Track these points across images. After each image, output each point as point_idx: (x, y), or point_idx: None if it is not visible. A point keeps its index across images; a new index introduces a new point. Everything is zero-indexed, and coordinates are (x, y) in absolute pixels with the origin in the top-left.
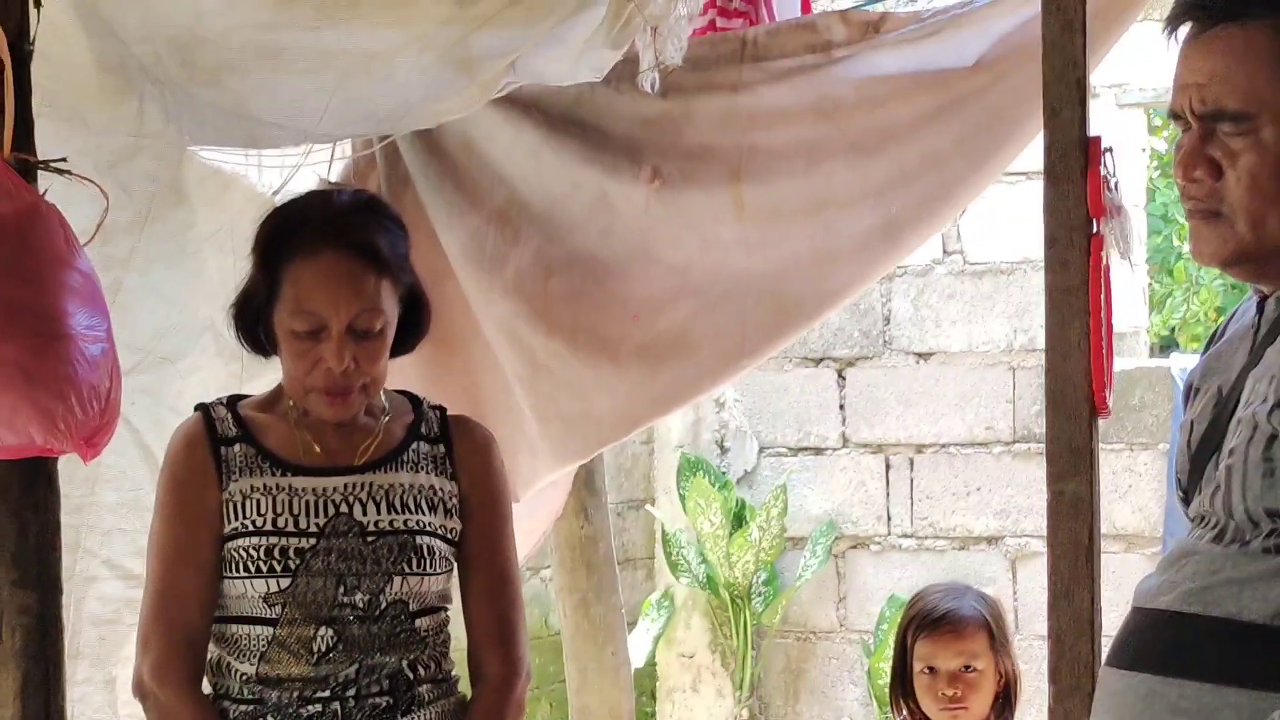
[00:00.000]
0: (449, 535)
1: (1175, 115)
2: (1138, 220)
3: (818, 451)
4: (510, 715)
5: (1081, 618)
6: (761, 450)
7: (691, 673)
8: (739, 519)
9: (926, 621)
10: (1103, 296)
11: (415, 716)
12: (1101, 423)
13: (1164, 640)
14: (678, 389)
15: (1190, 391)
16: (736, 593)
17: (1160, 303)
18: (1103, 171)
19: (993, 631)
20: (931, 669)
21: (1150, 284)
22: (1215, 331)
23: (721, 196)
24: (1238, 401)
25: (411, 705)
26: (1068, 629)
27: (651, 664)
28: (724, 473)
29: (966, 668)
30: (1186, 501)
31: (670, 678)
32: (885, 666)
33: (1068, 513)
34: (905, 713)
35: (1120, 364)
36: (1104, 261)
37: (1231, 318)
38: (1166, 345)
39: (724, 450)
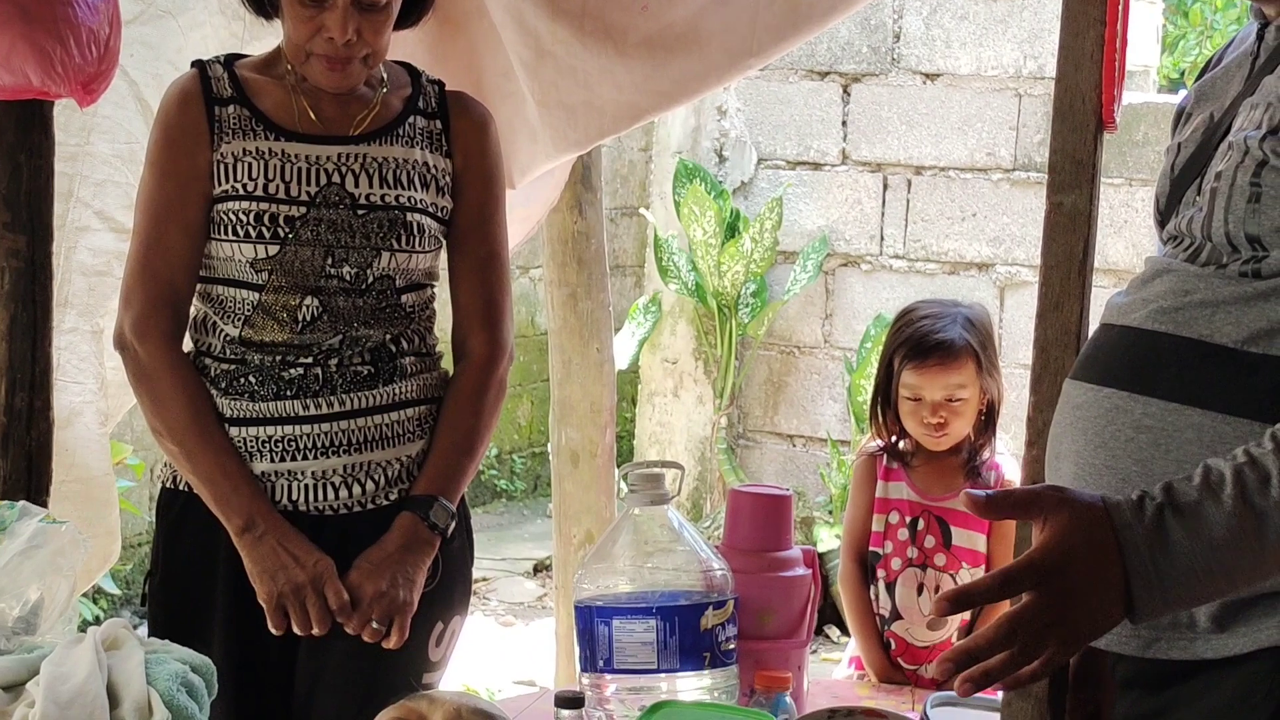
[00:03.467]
0: (439, 213)
1: None
2: None
3: (816, 166)
4: (492, 393)
5: (1069, 330)
6: (760, 161)
7: (674, 378)
8: (732, 229)
9: (915, 352)
10: (1120, 7)
11: (397, 386)
12: (1104, 156)
13: (1132, 357)
14: (682, 83)
15: (1181, 116)
16: (724, 302)
17: (1173, 45)
18: None
19: (979, 358)
20: (917, 397)
21: (1164, 25)
22: (1210, 59)
23: None
24: (1228, 128)
25: (393, 376)
26: (1054, 341)
27: (634, 368)
28: (720, 182)
29: (952, 397)
30: (1162, 224)
31: (652, 382)
32: (866, 384)
33: (1065, 225)
34: (885, 431)
35: (1127, 98)
36: None
37: (1229, 46)
38: (1176, 87)
39: (722, 159)
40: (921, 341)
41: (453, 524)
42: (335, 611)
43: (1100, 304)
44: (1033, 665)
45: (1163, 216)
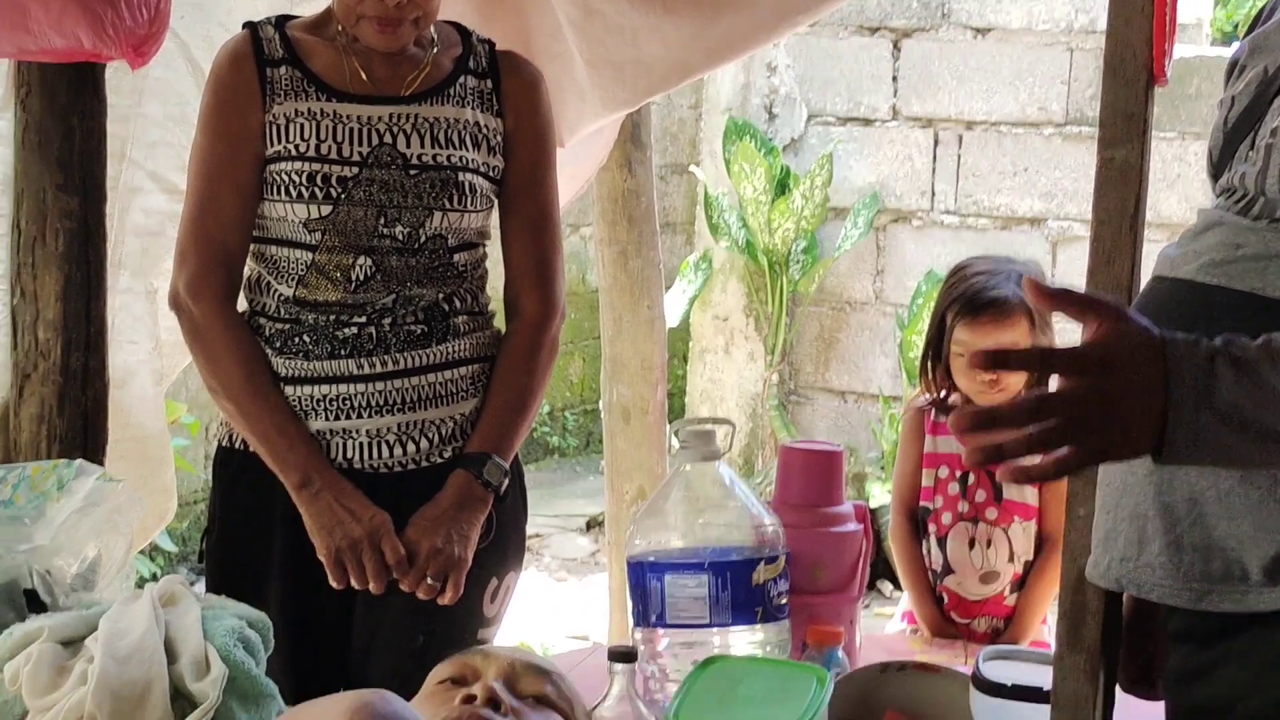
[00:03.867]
0: (491, 173)
1: None
2: None
3: (867, 122)
4: (544, 352)
5: (1120, 285)
6: (810, 118)
7: (724, 335)
8: (782, 186)
9: (968, 308)
10: None
11: (450, 345)
12: (1155, 111)
13: (1185, 309)
14: (730, 39)
15: (1234, 68)
16: (775, 259)
17: None
18: None
19: (1033, 316)
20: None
21: None
22: (1262, 10)
23: None
24: None
25: (447, 334)
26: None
27: (685, 325)
28: (770, 139)
29: None
30: (1215, 177)
31: (703, 339)
32: (918, 340)
33: (1116, 179)
34: (935, 386)
35: (1180, 51)
36: None
37: None
38: (1229, 40)
39: (772, 116)
40: (975, 298)
41: (506, 481)
42: (393, 566)
43: (1153, 259)
44: (1043, 461)
45: (1215, 170)
